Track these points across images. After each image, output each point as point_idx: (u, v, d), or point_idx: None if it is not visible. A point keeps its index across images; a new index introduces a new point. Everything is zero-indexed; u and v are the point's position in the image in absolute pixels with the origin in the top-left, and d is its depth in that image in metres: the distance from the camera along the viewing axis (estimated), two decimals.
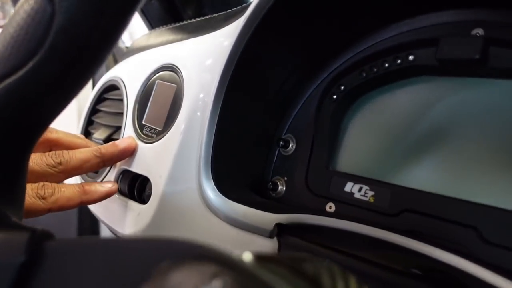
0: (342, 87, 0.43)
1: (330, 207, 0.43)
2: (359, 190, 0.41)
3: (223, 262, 0.19)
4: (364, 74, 0.41)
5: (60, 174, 0.41)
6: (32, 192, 0.38)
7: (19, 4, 0.26)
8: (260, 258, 0.23)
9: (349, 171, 0.43)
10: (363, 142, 0.43)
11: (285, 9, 0.38)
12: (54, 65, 0.25)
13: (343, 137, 0.44)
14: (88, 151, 0.43)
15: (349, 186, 0.42)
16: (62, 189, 0.40)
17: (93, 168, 0.44)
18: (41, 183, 0.39)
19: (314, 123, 0.45)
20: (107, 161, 0.45)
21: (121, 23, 0.25)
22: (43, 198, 0.38)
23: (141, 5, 0.27)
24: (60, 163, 0.41)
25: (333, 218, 0.40)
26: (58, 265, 0.26)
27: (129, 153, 0.47)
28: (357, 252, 0.39)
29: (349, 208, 0.42)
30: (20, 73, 0.26)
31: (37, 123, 0.28)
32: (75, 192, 0.41)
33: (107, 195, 0.45)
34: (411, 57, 0.37)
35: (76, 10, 0.24)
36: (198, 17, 0.56)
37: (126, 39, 0.82)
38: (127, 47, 0.76)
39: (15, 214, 0.30)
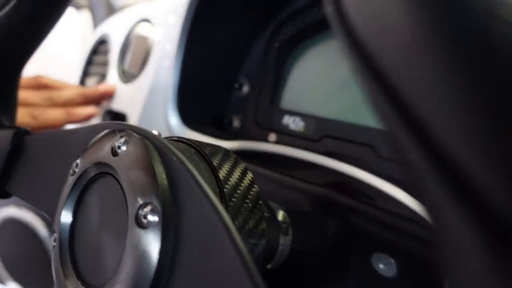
0: (281, 37, 0.51)
1: (271, 137, 0.52)
2: (293, 122, 0.50)
3: (133, 130, 0.28)
4: (298, 24, 0.49)
5: (48, 106, 0.51)
6: (27, 111, 0.48)
7: None
8: (177, 137, 0.32)
9: (289, 108, 0.52)
10: (301, 82, 0.52)
11: None
12: (29, 4, 0.35)
13: (285, 80, 0.52)
14: (74, 89, 0.54)
15: (286, 119, 0.51)
16: (50, 112, 0.51)
17: (76, 106, 0.54)
18: (34, 107, 0.49)
19: (262, 68, 0.53)
20: (89, 101, 0.55)
21: None
22: (34, 118, 0.48)
23: None
24: (50, 98, 0.51)
25: (271, 144, 0.49)
26: (34, 150, 0.36)
27: (107, 95, 0.57)
28: (289, 173, 0.48)
29: (286, 137, 0.51)
30: (5, 10, 0.35)
31: (25, 45, 0.37)
32: (61, 114, 0.52)
33: (89, 117, 0.55)
34: None
35: None
36: None
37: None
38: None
39: (6, 119, 0.40)
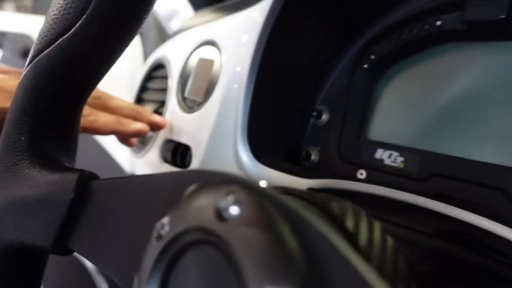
0: (373, 56, 0.43)
1: (361, 173, 0.44)
2: (389, 157, 0.42)
3: (239, 183, 0.21)
4: (393, 42, 0.42)
5: (97, 105, 0.47)
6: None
7: None
8: (280, 188, 0.25)
9: (380, 139, 0.44)
10: (394, 110, 0.44)
11: None
12: (99, 24, 0.29)
13: (375, 106, 0.45)
14: (127, 103, 0.49)
15: (379, 153, 0.43)
16: (100, 114, 0.46)
17: (125, 116, 0.49)
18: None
19: (346, 94, 0.46)
20: (138, 118, 0.50)
21: None
22: (82, 116, 0.44)
23: None
24: (100, 97, 0.47)
25: (364, 183, 0.41)
26: (102, 200, 0.29)
27: (157, 126, 0.53)
28: (386, 217, 0.40)
29: (380, 174, 0.43)
30: (71, 32, 0.30)
31: (87, 77, 0.31)
32: (111, 120, 0.47)
33: (139, 132, 0.50)
34: (438, 23, 0.38)
35: None
36: None
37: (175, 24, 0.86)
38: (174, 32, 0.80)
39: (68, 160, 0.34)
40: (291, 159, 0.50)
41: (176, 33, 0.65)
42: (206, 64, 0.51)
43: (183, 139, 0.51)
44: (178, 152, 0.52)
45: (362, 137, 0.45)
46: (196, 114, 0.50)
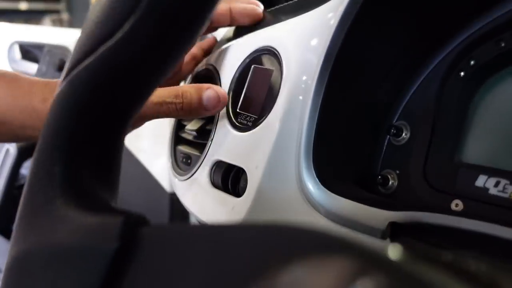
0: (472, 62, 0.36)
1: (457, 204, 0.36)
2: (496, 185, 0.34)
3: (365, 257, 0.14)
4: (502, 44, 0.34)
5: None
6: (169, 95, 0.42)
7: None
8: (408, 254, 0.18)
9: (481, 163, 0.36)
10: (498, 127, 0.36)
11: None
12: (151, 25, 0.23)
13: (472, 122, 0.37)
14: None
15: (481, 180, 0.35)
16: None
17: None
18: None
19: (435, 106, 0.38)
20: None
21: None
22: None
23: None
24: None
25: (463, 218, 0.33)
26: (154, 253, 0.23)
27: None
28: (497, 260, 0.32)
29: (482, 206, 0.35)
30: (116, 37, 0.23)
31: (134, 92, 0.25)
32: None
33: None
34: None
35: None
36: None
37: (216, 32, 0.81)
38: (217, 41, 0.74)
39: (109, 197, 0.28)
40: (363, 184, 0.42)
41: (223, 41, 0.59)
42: (263, 74, 0.45)
43: (235, 161, 0.45)
44: (230, 176, 0.45)
45: (456, 160, 0.37)
46: (251, 132, 0.43)
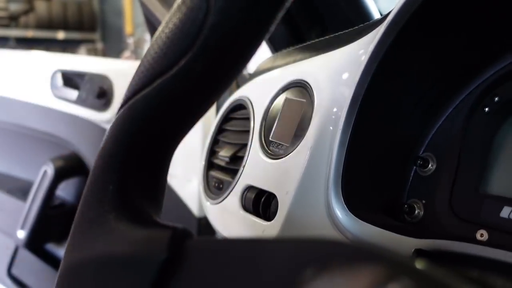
0: (497, 98, 0.37)
1: (482, 234, 0.37)
2: None
3: (394, 264, 0.16)
4: None
5: None
6: None
7: (175, 6, 0.27)
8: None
9: (506, 194, 0.37)
10: None
11: (435, 9, 0.35)
12: (205, 61, 0.26)
13: (497, 155, 0.38)
14: None
15: (506, 211, 0.36)
16: None
17: None
18: None
19: (460, 140, 0.40)
20: None
21: (273, 14, 0.25)
22: None
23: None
24: None
25: (488, 247, 0.35)
26: (200, 264, 0.25)
27: None
28: None
29: (507, 236, 0.36)
30: (172, 71, 0.26)
31: (184, 119, 0.28)
32: None
33: None
34: None
35: (231, 4, 0.24)
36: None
37: (249, 66, 0.84)
38: (250, 74, 0.78)
39: (155, 213, 0.30)
40: (390, 213, 0.44)
41: (256, 74, 0.62)
42: (295, 106, 0.48)
43: (266, 186, 0.47)
44: (261, 201, 0.47)
45: (481, 191, 0.38)
46: (282, 159, 0.46)
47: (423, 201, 0.43)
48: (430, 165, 0.43)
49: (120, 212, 0.28)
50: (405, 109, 0.43)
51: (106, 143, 0.29)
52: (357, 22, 0.64)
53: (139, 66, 0.28)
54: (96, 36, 5.21)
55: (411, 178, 0.44)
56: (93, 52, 4.26)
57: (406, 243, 0.37)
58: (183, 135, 0.30)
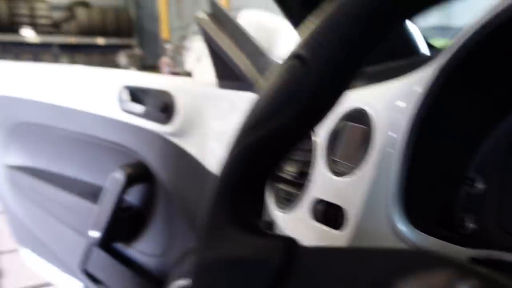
0: None
1: None
2: None
3: (462, 268, 0.22)
4: None
5: None
6: None
7: (276, 70, 0.34)
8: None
9: None
10: None
11: (485, 54, 0.42)
12: (302, 120, 0.33)
13: None
14: None
15: None
16: None
17: None
18: None
19: (505, 161, 0.46)
20: None
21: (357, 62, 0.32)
22: None
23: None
24: None
25: None
26: (309, 269, 0.32)
27: None
28: None
29: None
30: (278, 121, 0.34)
31: (279, 160, 0.36)
32: None
33: None
34: None
35: (326, 64, 0.31)
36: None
37: None
38: None
39: (262, 226, 0.38)
40: (444, 226, 0.50)
41: None
42: (355, 130, 0.55)
43: (333, 199, 0.54)
44: (329, 212, 0.55)
45: None
46: (348, 177, 0.53)
47: (473, 217, 0.49)
48: (478, 185, 0.49)
49: (235, 224, 0.36)
50: (455, 134, 0.50)
51: (226, 169, 0.37)
52: (402, 54, 0.70)
53: (246, 120, 0.36)
54: (134, 41, 5.38)
55: (462, 196, 0.51)
56: (132, 58, 4.43)
57: (462, 253, 0.44)
58: (279, 167, 0.38)
